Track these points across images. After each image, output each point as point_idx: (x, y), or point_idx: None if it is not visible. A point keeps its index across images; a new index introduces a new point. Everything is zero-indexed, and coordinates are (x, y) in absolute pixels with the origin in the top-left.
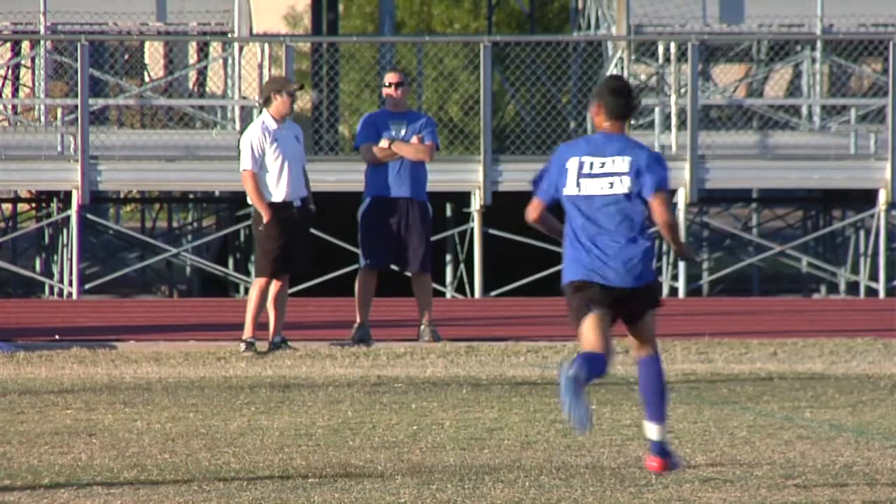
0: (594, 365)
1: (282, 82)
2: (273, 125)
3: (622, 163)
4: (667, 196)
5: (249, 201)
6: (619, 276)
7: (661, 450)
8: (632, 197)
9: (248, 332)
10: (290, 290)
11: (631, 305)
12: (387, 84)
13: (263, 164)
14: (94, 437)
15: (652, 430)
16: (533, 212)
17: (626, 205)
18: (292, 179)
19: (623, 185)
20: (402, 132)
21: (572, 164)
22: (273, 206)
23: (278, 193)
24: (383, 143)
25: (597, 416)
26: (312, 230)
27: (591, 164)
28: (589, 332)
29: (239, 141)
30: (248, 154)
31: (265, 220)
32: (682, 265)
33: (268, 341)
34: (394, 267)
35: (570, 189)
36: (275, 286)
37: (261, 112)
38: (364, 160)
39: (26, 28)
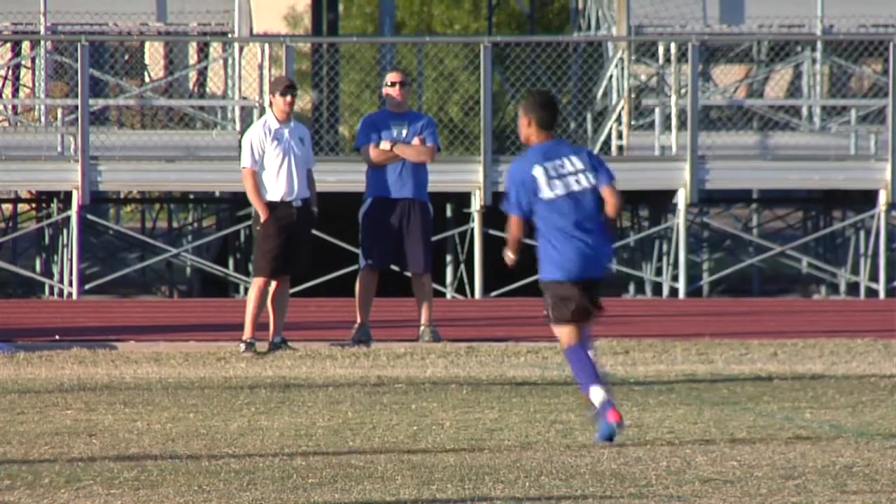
0: (588, 369)
1: (276, 84)
2: (275, 124)
3: (578, 161)
4: (616, 184)
5: (249, 200)
6: (599, 266)
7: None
8: (594, 190)
9: (247, 333)
10: (290, 291)
11: (596, 292)
12: (389, 84)
13: (263, 162)
14: (94, 437)
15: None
16: (517, 229)
17: (592, 197)
18: (292, 179)
19: (588, 180)
20: (403, 133)
21: (539, 173)
22: (271, 206)
23: (276, 192)
24: (385, 145)
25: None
26: (313, 231)
27: (555, 167)
28: (568, 334)
29: (240, 140)
30: (247, 152)
31: (262, 218)
32: (682, 265)
33: (268, 342)
34: (394, 267)
35: (546, 194)
36: (274, 286)
37: (263, 113)
38: (365, 161)
39: (26, 28)
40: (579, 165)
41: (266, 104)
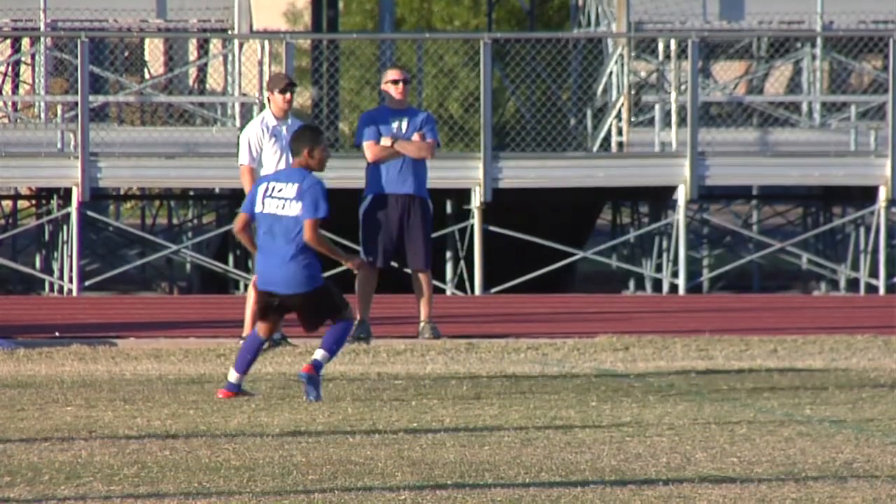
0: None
1: (274, 81)
2: (273, 121)
3: (292, 190)
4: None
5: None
6: (280, 284)
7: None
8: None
9: (247, 330)
10: None
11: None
12: (390, 81)
13: (261, 159)
14: (94, 433)
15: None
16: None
17: (292, 223)
18: None
19: (291, 209)
20: (403, 128)
21: (261, 189)
22: None
23: None
24: (386, 142)
25: (597, 413)
26: None
27: (275, 189)
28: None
29: (239, 136)
30: (245, 149)
31: None
32: (682, 261)
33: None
34: (393, 264)
35: (258, 207)
36: None
37: (263, 109)
38: (366, 158)
39: (26, 25)
40: (291, 194)
41: (264, 101)
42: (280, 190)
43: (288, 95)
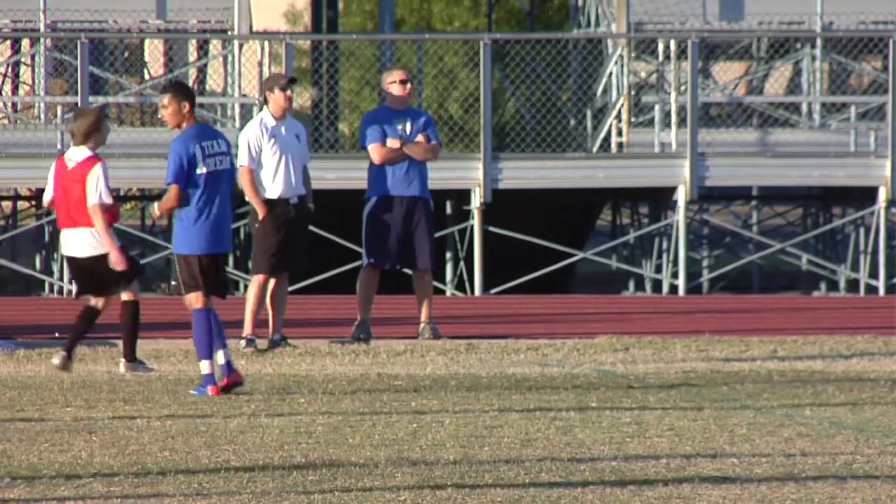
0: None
1: (274, 79)
2: (271, 122)
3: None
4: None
5: (247, 198)
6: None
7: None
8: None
9: (247, 330)
10: (291, 289)
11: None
12: (397, 81)
13: (260, 160)
14: (94, 434)
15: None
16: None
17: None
18: (289, 176)
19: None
20: (407, 129)
21: (198, 150)
22: (269, 203)
23: (274, 190)
24: (394, 143)
25: (596, 413)
26: (312, 227)
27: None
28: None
29: (238, 137)
30: (245, 151)
31: (260, 216)
32: (682, 262)
33: (267, 339)
34: (397, 266)
35: (200, 169)
36: (273, 284)
37: (261, 111)
38: (373, 160)
39: (26, 26)
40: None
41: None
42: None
43: (289, 92)
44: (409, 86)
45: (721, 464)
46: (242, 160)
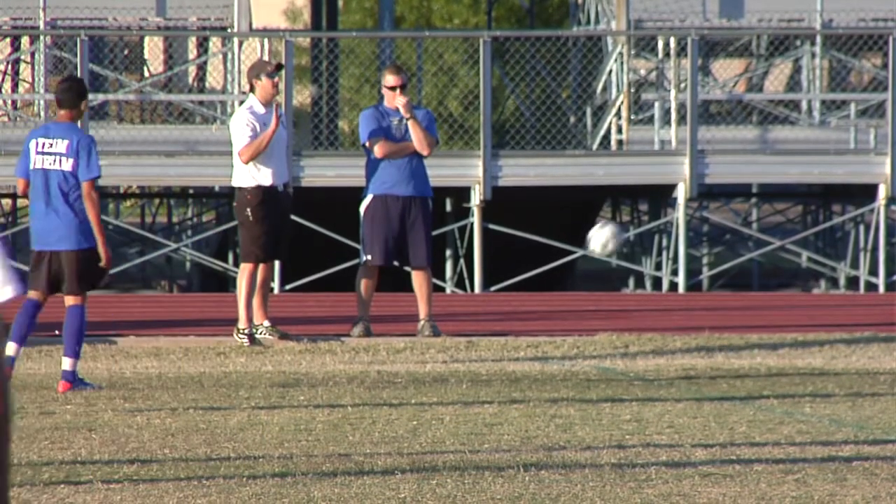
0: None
1: (260, 66)
2: (260, 109)
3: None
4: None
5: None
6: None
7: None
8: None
9: (243, 322)
10: (289, 286)
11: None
12: (389, 87)
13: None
14: (93, 432)
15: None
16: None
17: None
18: (280, 163)
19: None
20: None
21: (32, 145)
22: (263, 190)
23: (267, 177)
24: (400, 100)
25: (596, 411)
26: (312, 226)
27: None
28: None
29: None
30: (244, 133)
31: (254, 201)
32: (681, 259)
33: (261, 328)
34: (394, 262)
35: (33, 164)
36: (261, 272)
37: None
38: (375, 155)
39: (26, 23)
40: (62, 150)
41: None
42: (51, 145)
43: (276, 79)
44: (398, 91)
45: (721, 461)
46: (243, 141)
